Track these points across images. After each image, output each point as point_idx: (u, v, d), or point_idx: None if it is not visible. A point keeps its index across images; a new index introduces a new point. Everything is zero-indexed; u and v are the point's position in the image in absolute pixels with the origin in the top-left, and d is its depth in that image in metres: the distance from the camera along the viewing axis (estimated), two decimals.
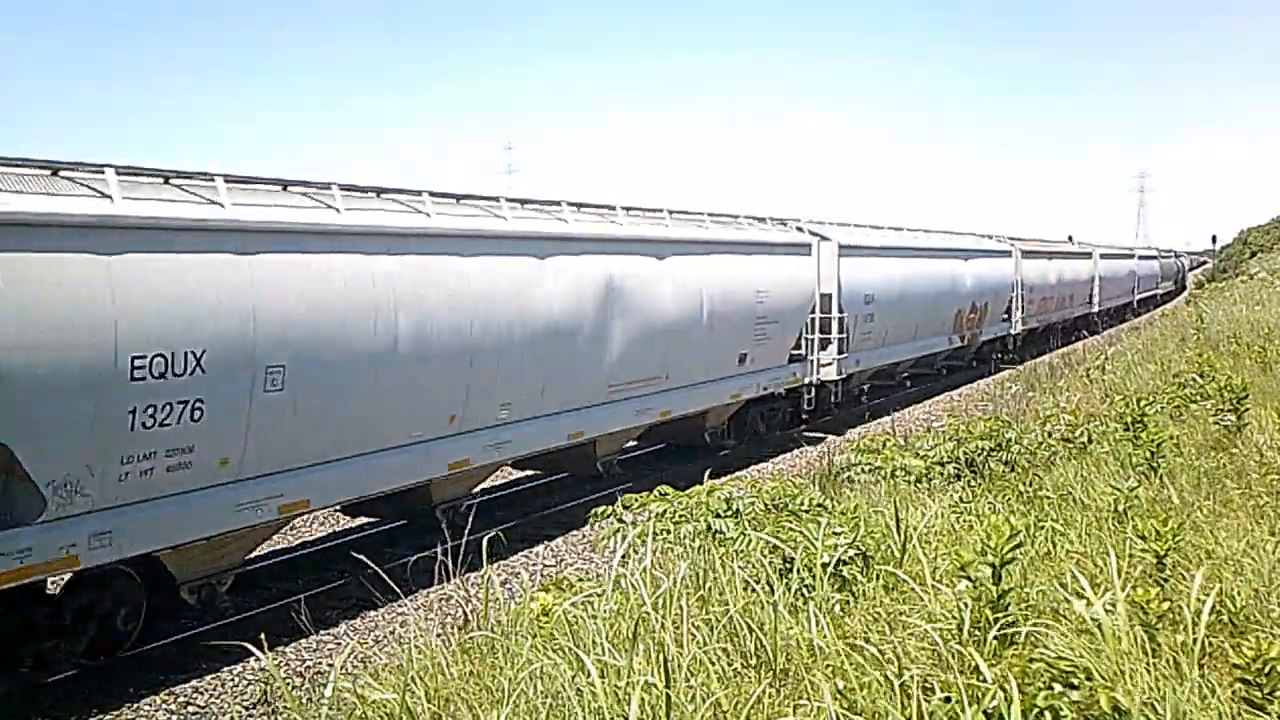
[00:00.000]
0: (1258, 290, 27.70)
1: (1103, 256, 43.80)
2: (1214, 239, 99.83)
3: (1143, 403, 9.05)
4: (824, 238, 19.90)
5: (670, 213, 15.92)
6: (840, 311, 19.55)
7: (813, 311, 18.98)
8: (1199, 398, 9.66)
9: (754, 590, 4.72)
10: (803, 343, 18.87)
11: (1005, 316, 30.63)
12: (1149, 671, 3.45)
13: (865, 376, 22.53)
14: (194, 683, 8.69)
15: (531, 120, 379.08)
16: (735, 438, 17.95)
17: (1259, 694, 3.33)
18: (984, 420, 11.40)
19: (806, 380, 19.15)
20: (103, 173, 8.25)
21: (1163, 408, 9.85)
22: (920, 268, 24.00)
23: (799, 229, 19.69)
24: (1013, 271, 30.69)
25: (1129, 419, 8.23)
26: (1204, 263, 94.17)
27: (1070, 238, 48.08)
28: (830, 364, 19.53)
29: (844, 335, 19.62)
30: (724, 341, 16.20)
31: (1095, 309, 42.57)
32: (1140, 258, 56.62)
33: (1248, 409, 8.13)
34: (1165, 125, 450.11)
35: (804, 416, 19.77)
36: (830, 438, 18.57)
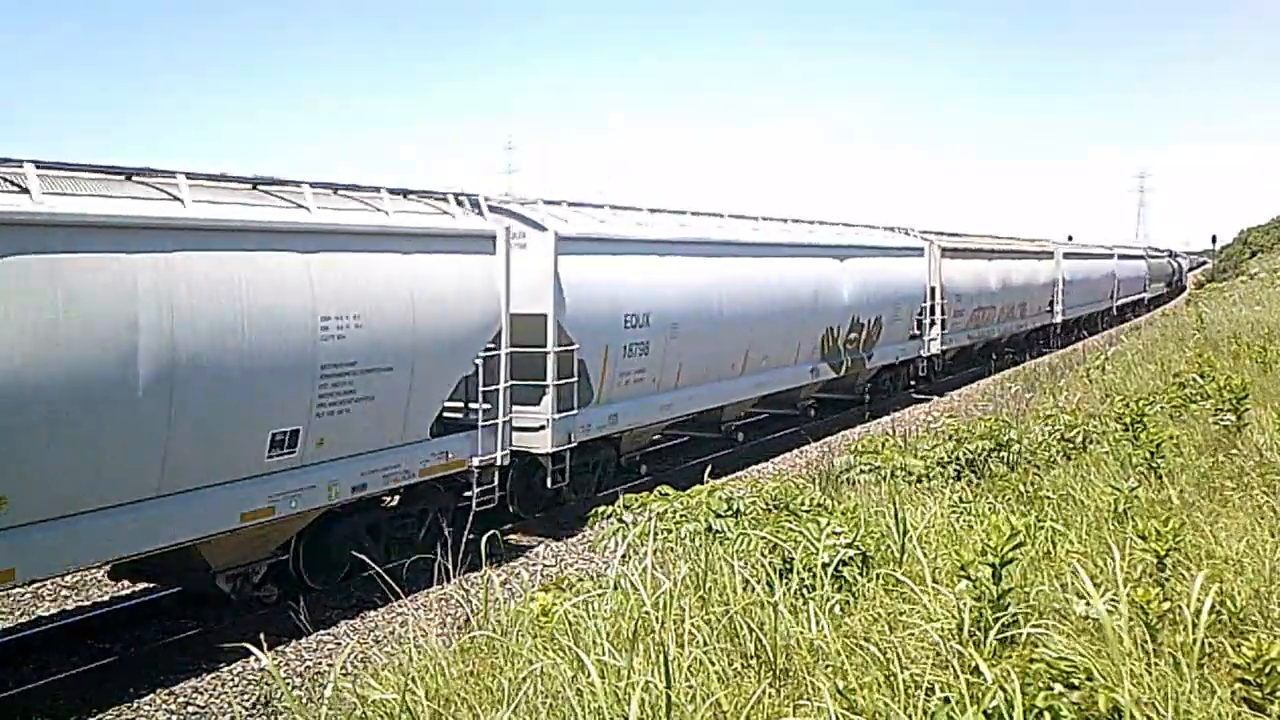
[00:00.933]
0: (1258, 290, 27.72)
1: (1067, 256, 37.71)
2: (1214, 239, 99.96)
3: (1142, 403, 9.05)
4: (533, 224, 12.77)
5: (35, 166, 7.71)
6: (565, 344, 12.71)
7: (494, 346, 11.65)
8: (1199, 398, 9.66)
9: (754, 590, 4.72)
10: (484, 396, 11.71)
11: (915, 333, 23.98)
12: (1149, 671, 3.45)
13: (645, 435, 15.50)
14: (194, 683, 8.70)
15: (531, 120, 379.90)
16: (304, 579, 10.53)
17: (1259, 694, 3.33)
18: (984, 420, 11.40)
19: (479, 460, 11.56)
20: None
21: (1163, 408, 9.84)
22: (750, 271, 16.89)
23: (475, 205, 11.96)
24: (927, 274, 24.20)
25: (1129, 419, 8.23)
26: (1204, 263, 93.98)
27: (1070, 237, 47.85)
28: (540, 429, 12.53)
29: (575, 380, 12.86)
30: (214, 418, 8.59)
31: (1058, 319, 36.37)
32: (1122, 257, 49.21)
33: (1248, 409, 8.13)
34: (1165, 125, 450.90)
35: (487, 510, 11.89)
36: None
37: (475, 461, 11.55)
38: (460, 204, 11.80)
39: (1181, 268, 78.82)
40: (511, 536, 12.05)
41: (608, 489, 14.07)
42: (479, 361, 11.49)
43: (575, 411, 12.99)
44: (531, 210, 13.29)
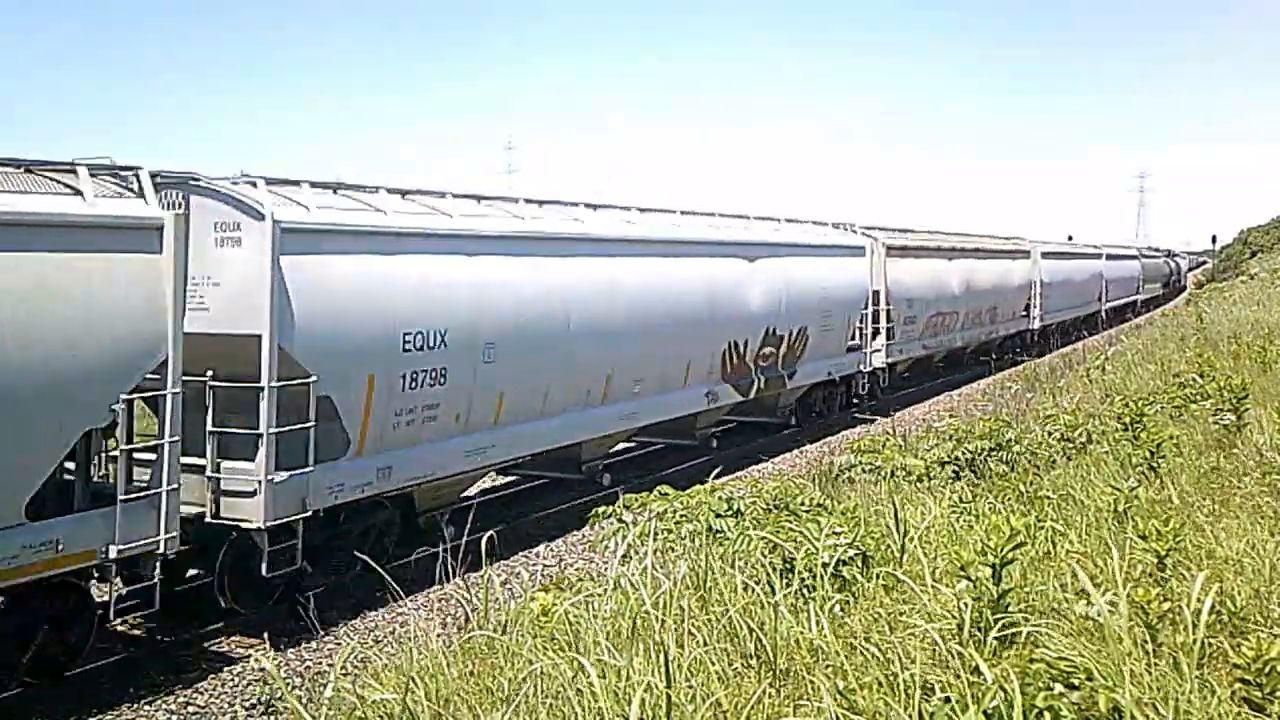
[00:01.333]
0: (1258, 290, 27.74)
1: (1046, 256, 34.55)
2: (1214, 239, 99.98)
3: (1142, 403, 9.06)
4: (246, 208, 9.34)
5: None
6: (295, 375, 9.25)
7: (157, 380, 8.31)
8: (1199, 398, 9.66)
9: (754, 590, 4.72)
10: (129, 456, 8.11)
11: (855, 344, 20.71)
12: (1149, 671, 3.45)
13: (451, 488, 11.84)
14: (194, 683, 8.70)
15: (531, 120, 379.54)
16: None
17: (1259, 694, 3.32)
18: (984, 420, 11.42)
19: (120, 550, 7.95)
20: None
21: (1162, 408, 9.85)
22: (616, 274, 13.49)
23: (134, 182, 8.52)
24: (869, 276, 21.14)
25: (1129, 419, 8.23)
26: (1204, 263, 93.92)
27: (1070, 238, 47.81)
28: (252, 495, 9.08)
29: (313, 424, 9.35)
30: None
31: (1035, 324, 33.40)
32: (1110, 257, 46.13)
33: (1248, 409, 8.13)
34: (1165, 125, 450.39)
35: None
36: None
37: (113, 552, 7.94)
38: (122, 179, 8.52)
39: (1180, 268, 76.48)
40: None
41: (393, 561, 10.13)
42: (120, 407, 7.91)
43: (311, 468, 9.38)
44: (245, 191, 9.50)
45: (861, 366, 21.08)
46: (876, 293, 21.49)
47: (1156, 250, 70.00)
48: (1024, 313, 32.67)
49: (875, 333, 21.43)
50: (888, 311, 21.97)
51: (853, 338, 20.64)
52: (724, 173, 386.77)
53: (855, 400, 21.46)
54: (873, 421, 18.67)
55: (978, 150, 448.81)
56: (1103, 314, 43.60)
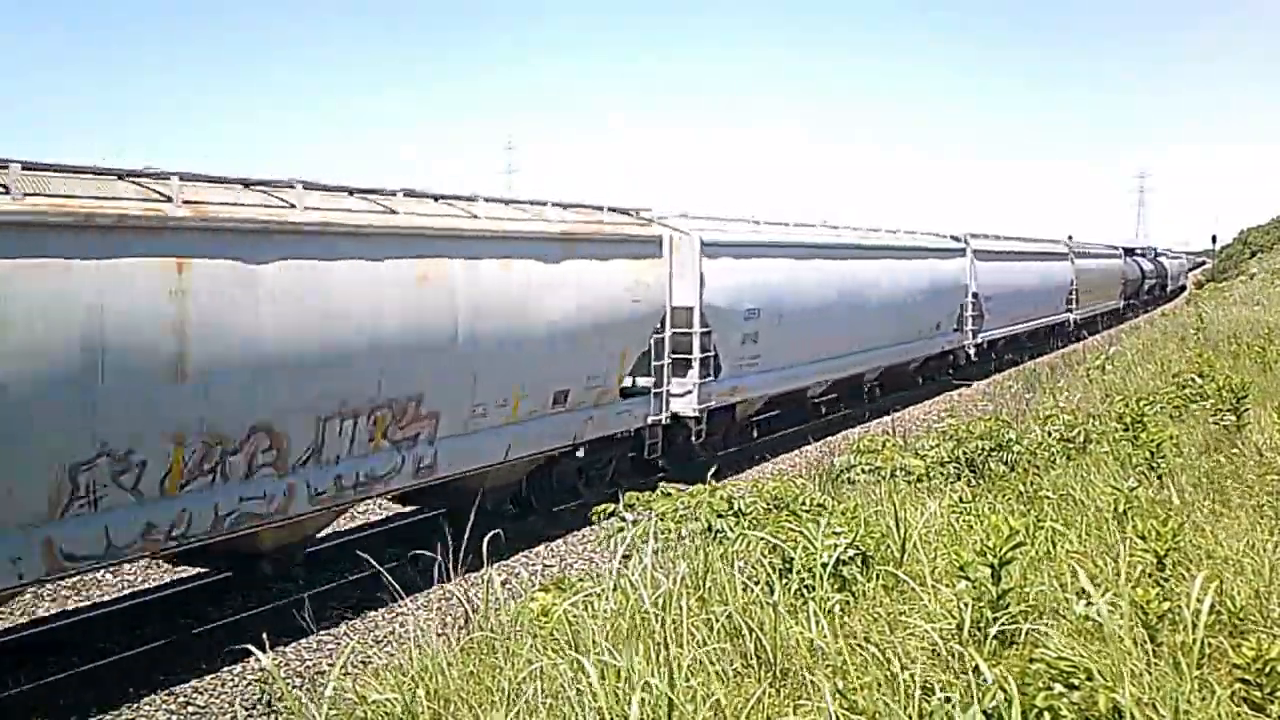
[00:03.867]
0: (1258, 290, 27.74)
1: (718, 251, 15.37)
2: (1214, 239, 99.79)
3: (1142, 403, 9.06)
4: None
5: None
6: None
7: None
8: (1199, 398, 9.66)
9: (754, 590, 4.72)
10: None
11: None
12: (1149, 671, 3.45)
13: None
14: (194, 683, 8.70)
15: (531, 120, 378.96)
16: None
17: (1259, 694, 3.33)
18: (984, 420, 11.41)
19: None
20: None
21: (1162, 408, 9.85)
22: None
23: None
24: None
25: (1129, 419, 8.23)
26: (1203, 263, 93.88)
27: (1070, 237, 47.39)
28: None
29: None
30: None
31: (661, 413, 14.19)
32: (989, 255, 27.20)
33: (1247, 409, 8.13)
34: (1165, 125, 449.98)
35: None
36: None
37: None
38: None
39: (1166, 270, 61.72)
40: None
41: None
42: None
43: None
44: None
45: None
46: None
47: (1113, 247, 48.72)
48: (601, 382, 13.35)
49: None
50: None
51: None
52: (724, 173, 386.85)
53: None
54: None
55: (978, 150, 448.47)
56: (969, 351, 26.28)
